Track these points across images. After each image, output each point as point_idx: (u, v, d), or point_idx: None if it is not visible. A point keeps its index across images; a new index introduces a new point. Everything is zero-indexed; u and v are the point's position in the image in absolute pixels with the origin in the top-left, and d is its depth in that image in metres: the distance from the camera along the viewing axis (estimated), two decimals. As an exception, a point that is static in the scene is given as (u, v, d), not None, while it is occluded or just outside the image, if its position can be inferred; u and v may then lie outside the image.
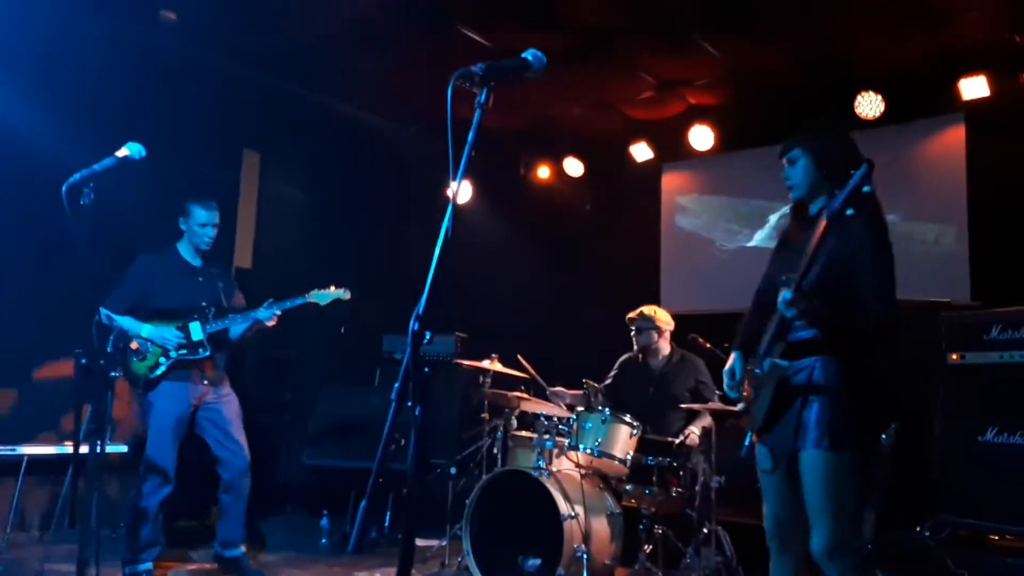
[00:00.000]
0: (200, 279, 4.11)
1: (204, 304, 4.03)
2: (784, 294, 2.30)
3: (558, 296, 7.04)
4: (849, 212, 2.16)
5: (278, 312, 4.00)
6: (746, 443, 2.64)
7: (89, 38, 4.67)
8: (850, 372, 2.40)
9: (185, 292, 4.03)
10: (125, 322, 3.89)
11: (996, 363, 4.21)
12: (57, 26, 4.57)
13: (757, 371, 2.57)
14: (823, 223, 2.27)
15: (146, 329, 3.90)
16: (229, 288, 4.23)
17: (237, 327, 4.04)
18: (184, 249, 4.15)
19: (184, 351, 3.93)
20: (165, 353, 3.92)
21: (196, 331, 3.96)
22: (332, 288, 4.11)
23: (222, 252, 5.88)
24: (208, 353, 3.97)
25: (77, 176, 2.56)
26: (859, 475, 2.41)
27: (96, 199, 2.64)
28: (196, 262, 4.15)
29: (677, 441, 4.24)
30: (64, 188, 2.53)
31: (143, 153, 2.73)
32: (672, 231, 6.91)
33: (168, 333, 3.91)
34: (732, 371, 2.73)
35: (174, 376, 3.93)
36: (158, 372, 3.90)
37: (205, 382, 4.01)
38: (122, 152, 2.71)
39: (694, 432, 4.31)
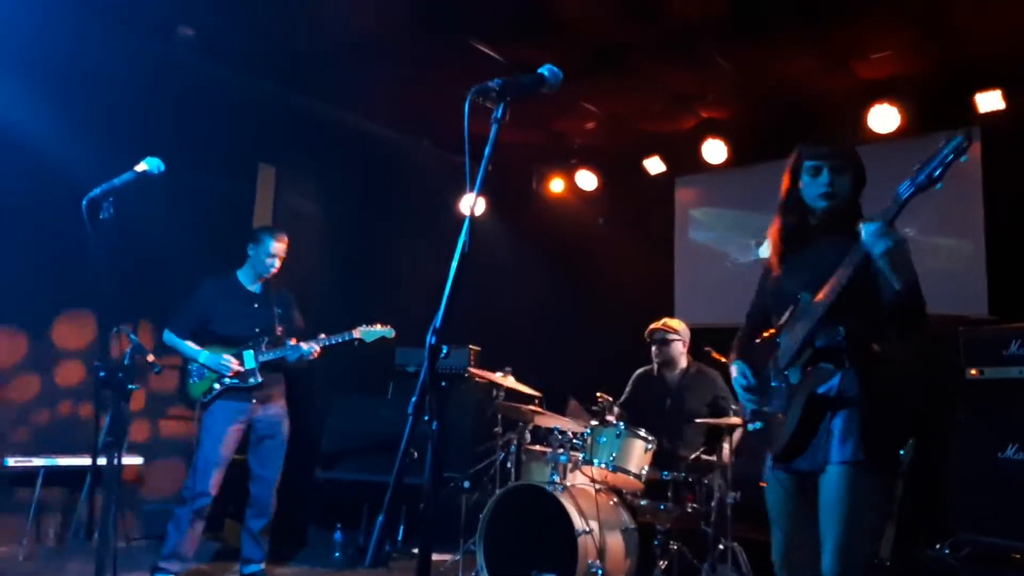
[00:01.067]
0: (256, 306, 4.28)
1: (258, 331, 4.21)
2: (879, 226, 2.07)
3: (571, 309, 7.04)
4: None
5: (320, 347, 4.19)
6: (768, 464, 2.46)
7: (108, 54, 4.72)
8: (872, 385, 2.28)
9: (241, 320, 4.21)
10: (184, 347, 4.12)
11: (1016, 378, 4.16)
12: (76, 42, 4.63)
13: (775, 384, 2.42)
14: (901, 198, 2.06)
15: (203, 355, 4.12)
16: (287, 314, 4.37)
17: (287, 357, 4.20)
18: (244, 276, 4.33)
19: (236, 379, 4.13)
20: (219, 379, 4.12)
21: (249, 360, 4.17)
22: (378, 326, 4.32)
23: (237, 264, 5.92)
24: (260, 381, 4.17)
25: (97, 191, 2.58)
26: (883, 492, 2.32)
27: (115, 213, 2.67)
28: (255, 289, 4.33)
29: (693, 456, 4.21)
30: (84, 202, 2.55)
31: (162, 168, 2.75)
32: (685, 244, 6.90)
33: (223, 361, 4.11)
34: (747, 380, 2.54)
35: (226, 396, 4.15)
36: (211, 396, 4.13)
37: (254, 401, 4.19)
38: (141, 167, 2.73)
39: (726, 453, 4.20)
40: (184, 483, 4.16)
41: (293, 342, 4.22)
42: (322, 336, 4.21)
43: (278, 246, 4.26)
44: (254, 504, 4.22)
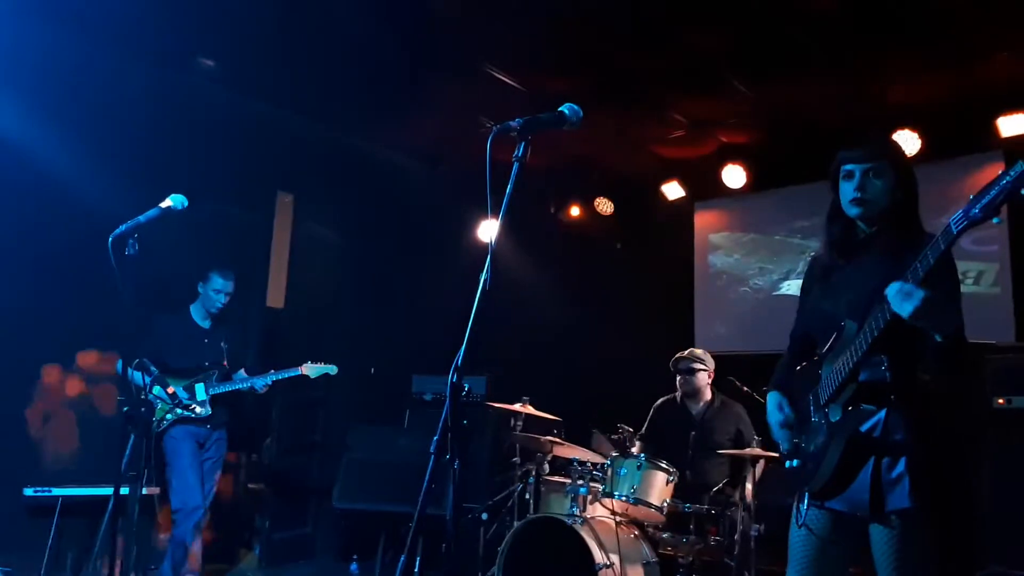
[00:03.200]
0: (206, 341, 4.49)
1: (207, 364, 4.43)
2: (901, 285, 1.93)
3: (590, 336, 6.99)
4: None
5: (270, 382, 4.41)
6: (804, 507, 2.28)
7: (128, 85, 4.79)
8: (921, 425, 2.14)
9: (192, 354, 4.43)
10: (137, 378, 4.18)
11: (1044, 407, 4.08)
12: (96, 74, 4.70)
13: (815, 419, 2.27)
14: (953, 231, 1.85)
15: (157, 388, 4.23)
16: (233, 349, 4.59)
17: (236, 390, 4.41)
18: (196, 311, 4.53)
19: (188, 412, 4.31)
20: (172, 410, 4.29)
21: (200, 392, 4.37)
22: (321, 363, 4.49)
23: (255, 291, 5.95)
24: (210, 412, 4.36)
25: (123, 227, 2.60)
26: (938, 542, 2.15)
27: (140, 249, 2.69)
28: (205, 324, 4.53)
29: (716, 488, 4.15)
30: (110, 240, 2.57)
31: (185, 204, 2.78)
32: (705, 270, 6.86)
33: (165, 392, 4.23)
34: (783, 415, 2.39)
35: (182, 421, 4.32)
36: (163, 426, 4.28)
37: (208, 426, 4.40)
38: (166, 203, 2.76)
39: (749, 488, 4.10)
40: (173, 507, 4.23)
41: (243, 372, 4.48)
42: (271, 371, 4.42)
43: (223, 283, 4.45)
44: (175, 511, 4.30)
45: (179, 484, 4.22)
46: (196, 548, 4.24)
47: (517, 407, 4.61)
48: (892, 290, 1.95)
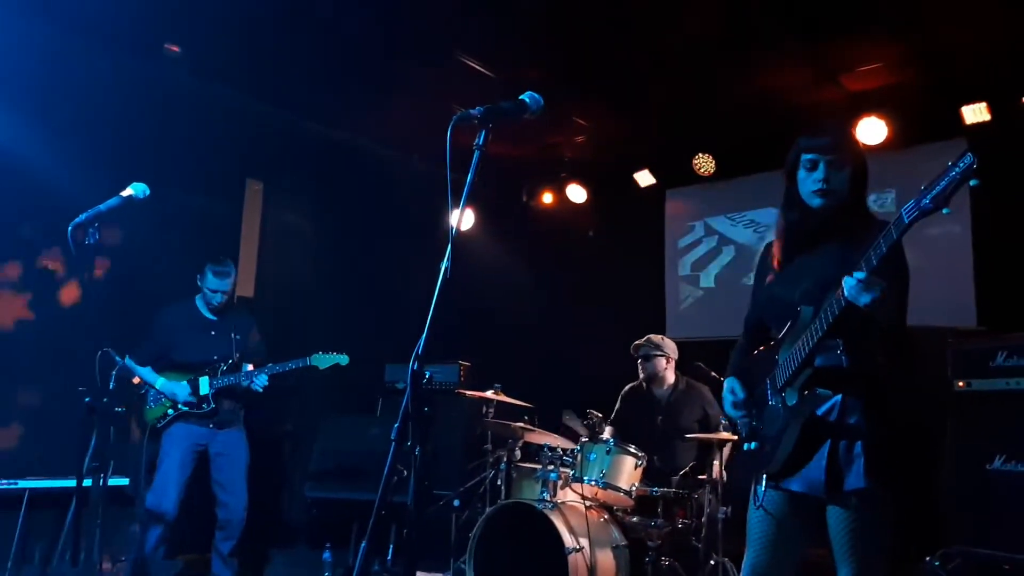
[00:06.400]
0: (213, 333, 4.33)
1: (216, 358, 4.27)
2: (857, 275, 1.95)
3: (562, 323, 7.03)
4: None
5: (266, 380, 4.22)
6: (761, 488, 2.31)
7: (93, 72, 4.71)
8: (875, 408, 2.17)
9: (199, 346, 4.27)
10: (144, 373, 4.18)
11: (1003, 390, 4.16)
12: (60, 60, 4.62)
13: (772, 403, 2.30)
14: (905, 221, 1.90)
15: (160, 382, 4.19)
16: (244, 340, 4.40)
17: (243, 383, 4.23)
18: (201, 303, 4.38)
19: (190, 407, 4.20)
20: (174, 405, 4.19)
21: (204, 386, 4.22)
22: (333, 353, 4.32)
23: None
24: (212, 407, 4.22)
25: (82, 217, 2.57)
26: (892, 520, 2.20)
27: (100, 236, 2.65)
28: (212, 316, 4.38)
29: (683, 471, 4.20)
30: (70, 228, 2.54)
31: (147, 192, 2.75)
32: (676, 257, 6.91)
33: (178, 388, 4.19)
34: (734, 395, 2.44)
35: (184, 420, 4.21)
36: (164, 422, 4.20)
37: (211, 426, 4.26)
38: (127, 192, 2.73)
39: (716, 471, 4.16)
40: (146, 504, 4.12)
41: (251, 367, 4.28)
42: (270, 364, 4.24)
43: (217, 282, 4.27)
44: (223, 527, 4.28)
45: (158, 484, 4.10)
46: (153, 555, 4.09)
47: (489, 394, 4.64)
48: (850, 281, 1.97)
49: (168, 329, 4.26)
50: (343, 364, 4.33)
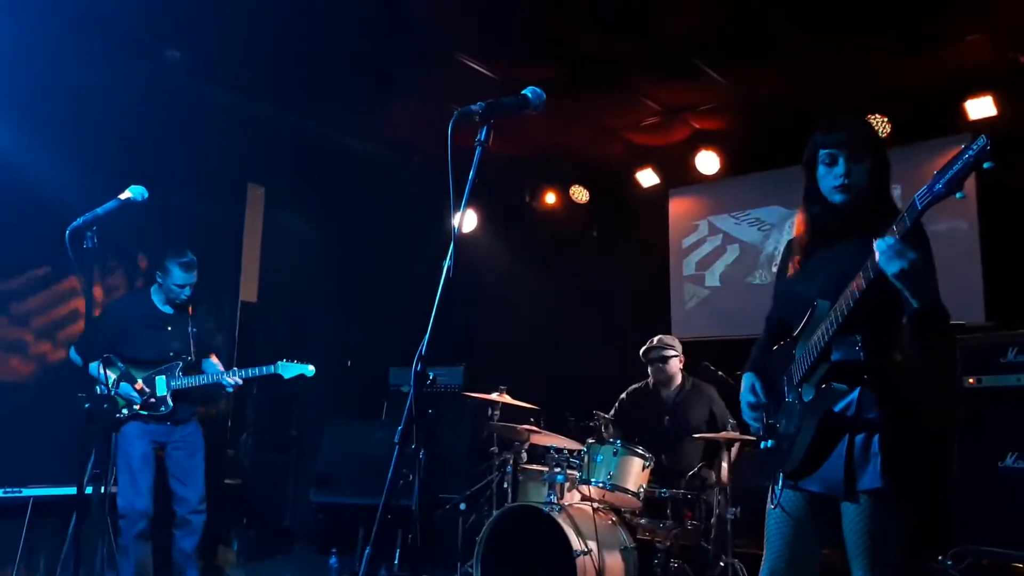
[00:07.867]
0: (170, 328, 4.09)
1: (172, 355, 4.05)
2: (887, 239, 1.88)
3: (566, 324, 7.00)
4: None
5: (240, 380, 4.02)
6: (779, 488, 2.26)
7: (94, 76, 4.70)
8: (893, 405, 2.12)
9: (154, 342, 4.03)
10: (93, 369, 3.83)
11: (1014, 387, 4.12)
12: (62, 64, 4.61)
13: (789, 399, 2.26)
14: (918, 207, 1.86)
15: (124, 386, 3.94)
16: (203, 334, 4.19)
17: (202, 384, 4.03)
18: (157, 296, 4.13)
19: (146, 410, 3.96)
20: (128, 404, 3.95)
21: (161, 386, 3.99)
22: (296, 362, 4.11)
23: (227, 286, 5.89)
24: (171, 408, 3.99)
25: (80, 220, 2.54)
26: (908, 519, 2.15)
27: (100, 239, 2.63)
28: (168, 310, 4.13)
29: (691, 472, 4.17)
30: (68, 232, 2.51)
31: (145, 195, 2.72)
32: (680, 256, 6.87)
33: (133, 388, 3.92)
34: (755, 397, 2.38)
35: (135, 419, 3.97)
36: (115, 420, 3.91)
37: (168, 423, 4.04)
38: (125, 195, 2.70)
39: (724, 471, 4.12)
40: (119, 511, 3.92)
41: (215, 361, 4.10)
42: (235, 369, 4.07)
43: (184, 276, 4.01)
44: (181, 525, 4.05)
45: (125, 485, 3.88)
46: (145, 559, 3.93)
47: (494, 396, 4.60)
48: (881, 247, 1.89)
49: (117, 323, 4.00)
50: (308, 375, 4.12)
